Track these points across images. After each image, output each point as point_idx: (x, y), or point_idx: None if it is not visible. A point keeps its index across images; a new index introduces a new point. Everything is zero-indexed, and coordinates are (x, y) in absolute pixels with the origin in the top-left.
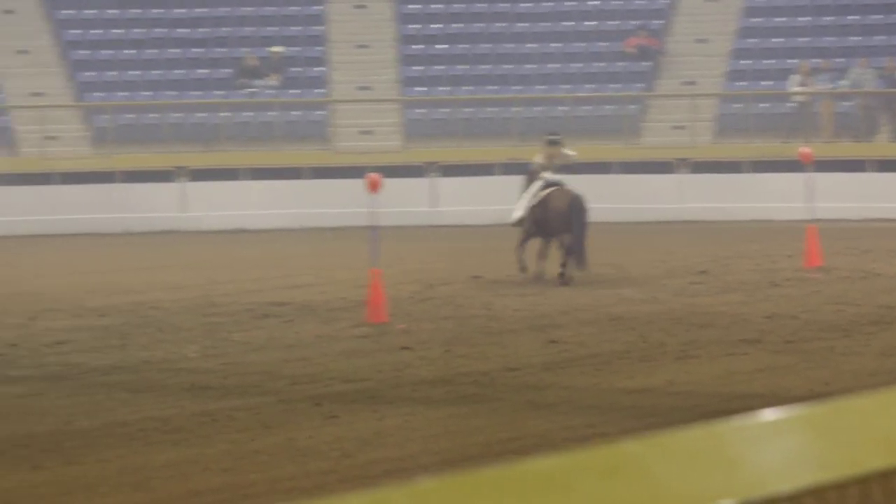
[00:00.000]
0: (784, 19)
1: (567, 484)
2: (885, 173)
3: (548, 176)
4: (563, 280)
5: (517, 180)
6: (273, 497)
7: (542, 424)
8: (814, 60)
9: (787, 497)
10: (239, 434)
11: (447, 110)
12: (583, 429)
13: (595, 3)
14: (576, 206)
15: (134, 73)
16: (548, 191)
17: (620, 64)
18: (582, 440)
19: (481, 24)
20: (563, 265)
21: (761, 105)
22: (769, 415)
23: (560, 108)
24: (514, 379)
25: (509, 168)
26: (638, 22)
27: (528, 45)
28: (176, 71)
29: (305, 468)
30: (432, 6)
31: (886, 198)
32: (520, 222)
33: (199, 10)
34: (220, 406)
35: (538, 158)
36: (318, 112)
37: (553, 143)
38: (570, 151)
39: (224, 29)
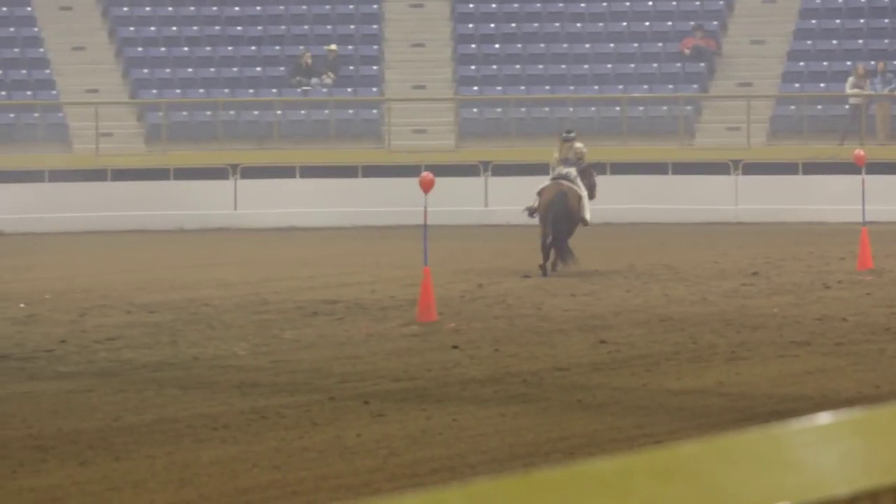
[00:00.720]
0: (840, 21)
1: (623, 486)
2: None
3: (559, 169)
4: (541, 271)
5: None
6: (321, 495)
7: (590, 425)
8: (870, 63)
9: (844, 500)
10: (287, 431)
11: (501, 110)
12: (631, 429)
13: (650, 3)
14: (555, 201)
15: (188, 71)
16: (546, 183)
17: (676, 65)
18: (630, 441)
19: (536, 24)
20: (546, 257)
21: (816, 107)
22: (825, 418)
23: (615, 108)
24: (562, 379)
25: None
26: (694, 23)
27: (583, 46)
28: (230, 69)
29: (353, 466)
30: (488, 6)
31: None
32: (529, 212)
33: (253, 8)
34: (269, 403)
35: (555, 154)
36: (372, 111)
37: (566, 139)
38: (580, 145)
39: (279, 27)
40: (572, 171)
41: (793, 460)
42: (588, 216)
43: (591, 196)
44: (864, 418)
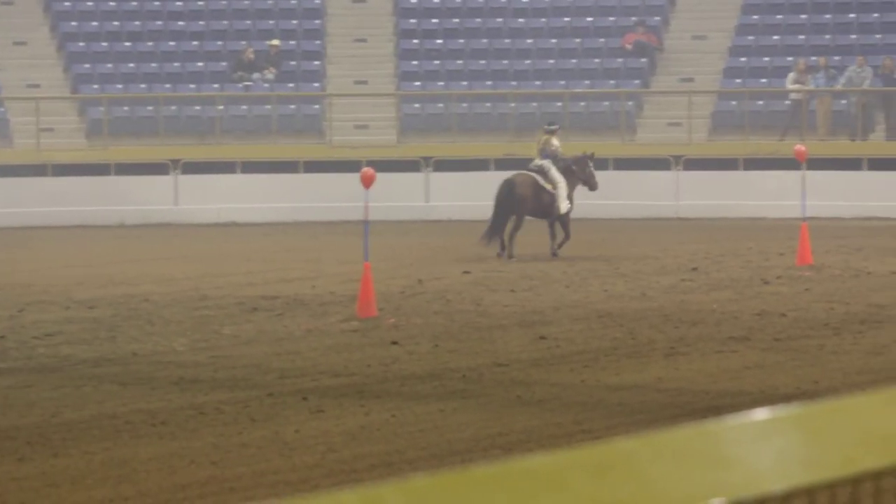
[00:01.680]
0: (782, 17)
1: (559, 482)
2: (879, 172)
3: (535, 160)
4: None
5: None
6: (259, 491)
7: (529, 420)
8: (811, 58)
9: (779, 497)
10: (226, 427)
11: (442, 105)
12: (570, 425)
13: None
14: (500, 189)
15: (129, 66)
16: (515, 172)
17: (617, 60)
18: (569, 437)
19: (478, 20)
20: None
21: (758, 103)
22: (761, 414)
23: (556, 103)
24: (502, 375)
25: (504, 164)
26: (635, 18)
27: (525, 41)
28: (171, 64)
29: (292, 462)
30: (430, 1)
31: (879, 196)
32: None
33: (195, 3)
34: (208, 399)
35: (536, 145)
36: (314, 106)
37: (546, 131)
38: (555, 141)
39: (221, 22)
40: (545, 162)
41: (729, 456)
42: (563, 206)
43: (592, 187)
44: (802, 414)
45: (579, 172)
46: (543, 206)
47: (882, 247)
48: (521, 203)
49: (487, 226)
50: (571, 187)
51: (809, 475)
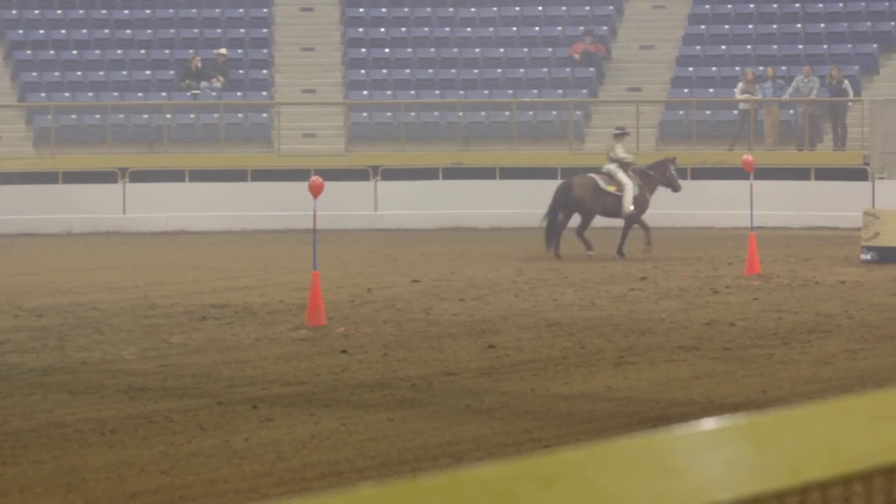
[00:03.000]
0: (729, 27)
1: (508, 493)
2: (827, 181)
3: (606, 165)
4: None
5: (459, 184)
6: (209, 500)
7: (478, 429)
8: (758, 68)
9: None
10: (175, 436)
11: (390, 114)
12: (519, 434)
13: (540, 8)
14: (558, 189)
15: (77, 74)
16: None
17: (565, 70)
18: (519, 445)
19: (426, 29)
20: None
21: (705, 112)
22: (710, 424)
23: (504, 113)
24: (451, 384)
25: (451, 172)
26: (583, 28)
27: (473, 50)
28: (119, 72)
29: (241, 470)
30: (378, 10)
31: (827, 206)
32: None
33: (143, 12)
34: (157, 408)
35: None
36: (262, 115)
37: (615, 136)
38: (619, 149)
39: (168, 30)
40: (612, 166)
41: (677, 466)
42: (626, 206)
43: (675, 188)
44: (750, 424)
45: (658, 176)
46: (607, 206)
47: (830, 256)
48: (578, 203)
49: (544, 231)
50: (650, 190)
51: (757, 485)
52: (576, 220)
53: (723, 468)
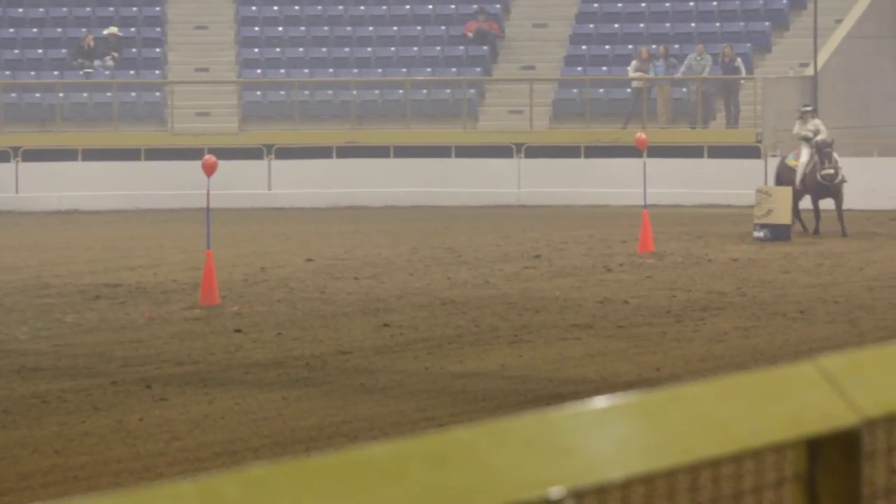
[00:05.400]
0: (622, 5)
1: (398, 471)
2: (720, 159)
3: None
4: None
5: (353, 163)
6: (102, 479)
7: (373, 408)
8: (651, 46)
9: (618, 484)
10: (69, 416)
11: (284, 93)
12: (413, 412)
13: None
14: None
15: None
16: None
17: (459, 48)
18: (413, 424)
19: (319, 7)
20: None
21: (599, 90)
22: (601, 402)
23: (398, 91)
24: (345, 362)
25: (345, 151)
26: (476, 6)
27: (367, 29)
28: (11, 50)
29: (135, 450)
30: None
31: (720, 184)
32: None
33: None
34: (50, 388)
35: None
36: (155, 93)
37: (802, 113)
38: (796, 125)
39: (60, 9)
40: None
41: (569, 444)
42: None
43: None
44: (643, 402)
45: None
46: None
47: (722, 234)
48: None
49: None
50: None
51: (649, 463)
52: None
53: (615, 446)
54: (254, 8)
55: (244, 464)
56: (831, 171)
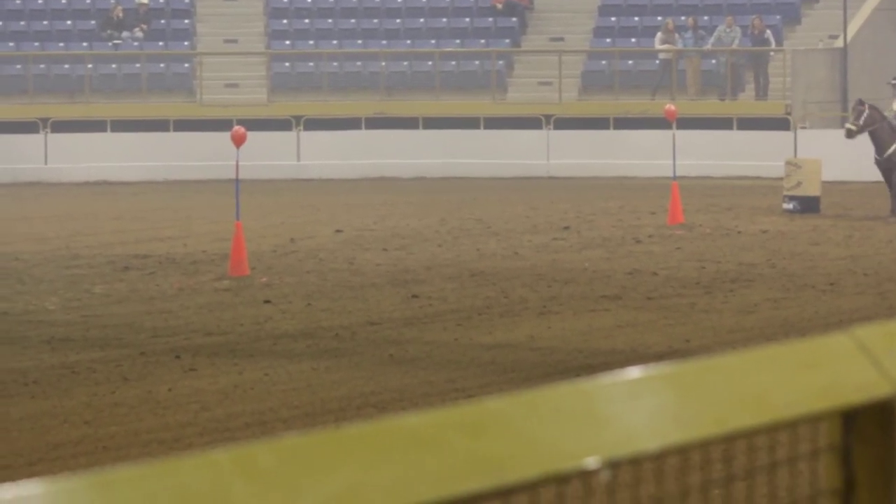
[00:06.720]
0: None
1: (434, 441)
2: (748, 131)
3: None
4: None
5: (382, 134)
6: (132, 450)
7: (402, 379)
8: (680, 18)
9: (653, 455)
10: (98, 387)
11: (313, 64)
12: (443, 384)
13: None
14: None
15: None
16: None
17: (488, 19)
18: (442, 395)
19: None
20: None
21: (628, 62)
22: (635, 372)
23: (427, 62)
24: (374, 333)
25: (374, 122)
26: None
27: (396, 0)
28: (40, 22)
29: (164, 421)
30: None
31: (749, 156)
32: None
33: None
34: (80, 358)
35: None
36: (184, 64)
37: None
38: None
39: None
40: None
41: (603, 415)
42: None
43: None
44: (674, 373)
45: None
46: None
47: (751, 206)
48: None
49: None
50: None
51: (682, 434)
52: None
53: (648, 417)
54: None
55: (274, 434)
56: None
